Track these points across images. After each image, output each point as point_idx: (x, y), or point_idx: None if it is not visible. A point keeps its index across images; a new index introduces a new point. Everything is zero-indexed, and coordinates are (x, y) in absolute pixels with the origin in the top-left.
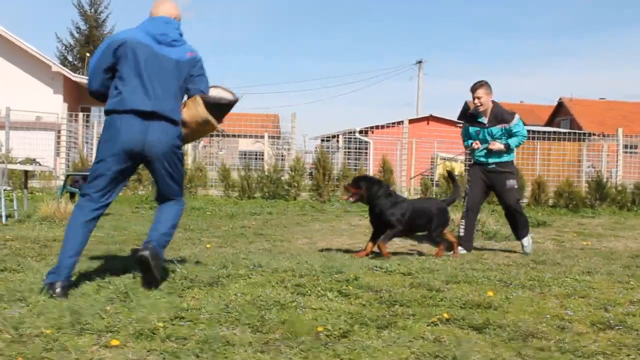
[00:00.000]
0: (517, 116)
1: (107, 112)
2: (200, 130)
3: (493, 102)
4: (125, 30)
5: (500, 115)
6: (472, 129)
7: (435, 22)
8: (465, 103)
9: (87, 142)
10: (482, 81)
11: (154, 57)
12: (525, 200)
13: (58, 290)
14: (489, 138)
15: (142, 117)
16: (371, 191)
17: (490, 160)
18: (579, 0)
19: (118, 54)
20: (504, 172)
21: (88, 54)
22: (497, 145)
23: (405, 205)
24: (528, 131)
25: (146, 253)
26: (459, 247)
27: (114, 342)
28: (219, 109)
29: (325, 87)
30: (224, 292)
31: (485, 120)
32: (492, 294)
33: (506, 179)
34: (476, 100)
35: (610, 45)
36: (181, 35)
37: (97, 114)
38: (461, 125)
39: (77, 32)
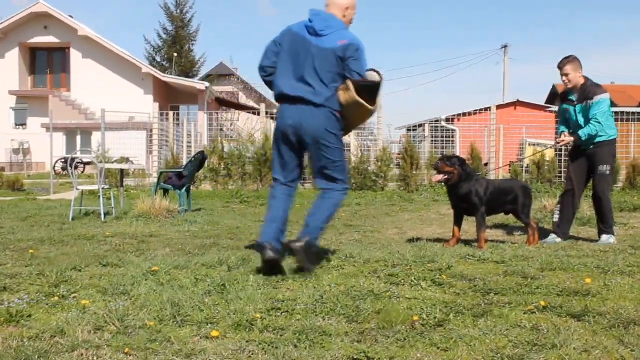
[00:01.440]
0: (603, 95)
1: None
2: (356, 114)
3: (584, 77)
4: (292, 24)
5: (588, 91)
6: (563, 106)
7: (520, 4)
8: (553, 86)
9: (177, 140)
10: (569, 57)
11: (302, 45)
12: (619, 184)
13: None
14: (578, 117)
15: (290, 102)
16: (465, 170)
17: (586, 143)
18: None
19: (278, 43)
20: (600, 154)
21: (176, 54)
22: (567, 140)
23: (486, 185)
24: (621, 113)
25: (298, 246)
26: (553, 235)
27: (214, 333)
28: (369, 91)
29: (409, 76)
30: (318, 283)
31: (575, 97)
32: (589, 281)
33: (600, 163)
34: (564, 78)
35: None
36: (341, 25)
37: (186, 112)
38: (550, 110)
39: (165, 33)
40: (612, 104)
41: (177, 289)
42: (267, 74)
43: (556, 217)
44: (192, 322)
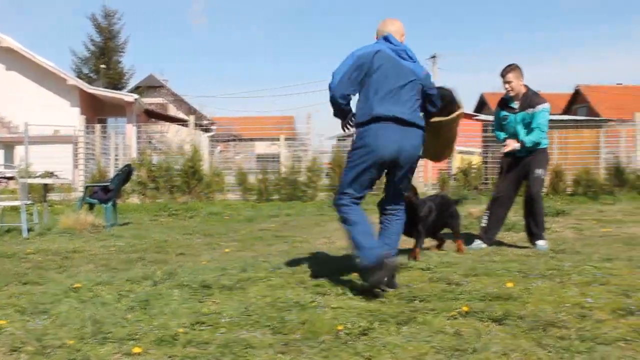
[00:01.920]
0: (545, 105)
1: (358, 123)
2: (449, 136)
3: (525, 86)
4: (368, 45)
5: (530, 99)
6: (502, 114)
7: (449, 15)
8: (482, 95)
9: (105, 153)
10: (511, 65)
11: (399, 69)
12: (543, 190)
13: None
14: (517, 126)
15: (395, 123)
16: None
17: (523, 150)
18: None
19: (368, 67)
20: (535, 160)
21: (103, 66)
22: (512, 146)
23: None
24: (551, 121)
25: (394, 261)
26: (478, 241)
27: (136, 350)
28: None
29: None
30: (244, 296)
31: (516, 105)
32: (511, 285)
33: (536, 167)
34: (506, 86)
35: (625, 31)
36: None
37: (114, 124)
38: (477, 118)
39: (92, 45)
40: None
41: (99, 305)
42: (347, 102)
43: (484, 223)
44: (113, 339)
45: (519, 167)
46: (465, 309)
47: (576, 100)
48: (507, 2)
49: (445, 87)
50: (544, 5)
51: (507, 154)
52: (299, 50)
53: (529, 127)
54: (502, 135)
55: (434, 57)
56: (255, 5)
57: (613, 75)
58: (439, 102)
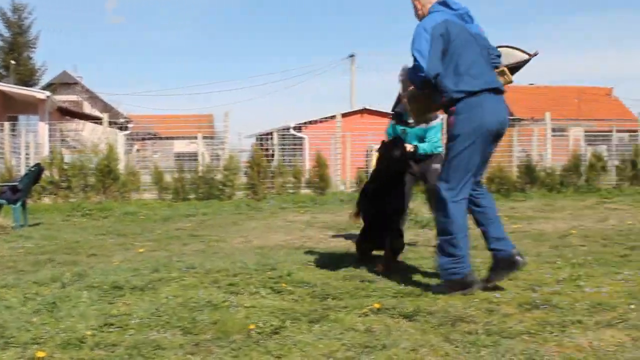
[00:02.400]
0: (439, 120)
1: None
2: None
3: None
4: (433, 15)
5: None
6: (399, 127)
7: (366, 15)
8: (399, 96)
9: (14, 152)
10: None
11: (473, 36)
12: None
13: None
14: (412, 139)
15: (494, 93)
16: None
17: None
18: None
19: (447, 38)
20: (433, 159)
21: (13, 62)
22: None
23: None
24: None
25: (521, 259)
26: None
27: (40, 354)
28: (517, 69)
29: (260, 85)
30: (155, 296)
31: (410, 119)
32: (423, 282)
33: (432, 162)
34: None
35: (539, 33)
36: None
37: (25, 122)
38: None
39: (1, 40)
40: None
41: (3, 309)
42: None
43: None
44: (16, 344)
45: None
46: (377, 305)
47: None
48: None
49: (520, 53)
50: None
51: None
52: (219, 49)
53: (422, 141)
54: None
55: (352, 56)
56: (175, 1)
57: (526, 76)
58: (498, 62)
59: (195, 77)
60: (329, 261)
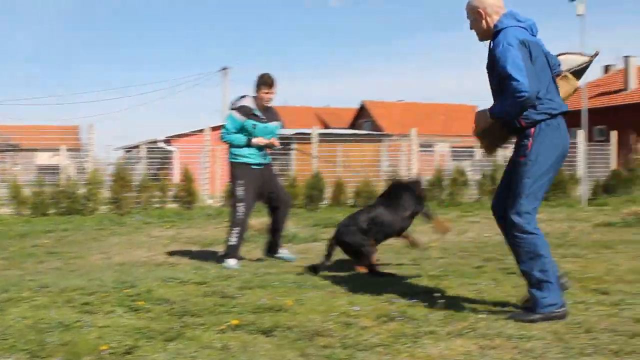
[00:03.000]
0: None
1: (533, 122)
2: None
3: None
4: (512, 29)
5: (276, 113)
6: (250, 121)
7: (240, 30)
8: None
9: None
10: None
11: (544, 54)
12: (325, 202)
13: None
14: (266, 135)
15: (563, 119)
16: None
17: (268, 159)
18: (381, 8)
19: (529, 55)
20: (272, 168)
21: None
22: (266, 141)
23: None
24: (331, 134)
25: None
26: (232, 260)
27: None
28: (580, 73)
29: (131, 96)
30: (2, 318)
31: (260, 114)
32: (284, 297)
33: (273, 171)
34: (271, 95)
35: (408, 51)
36: None
37: None
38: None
39: None
40: (326, 125)
41: None
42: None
43: (234, 241)
44: None
45: (260, 178)
46: (235, 322)
47: (362, 115)
48: (292, 17)
49: (580, 57)
50: (330, 21)
51: (245, 164)
52: (88, 57)
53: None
54: (243, 137)
55: (224, 69)
56: (36, 7)
57: (396, 93)
58: (556, 61)
59: (62, 85)
60: (190, 277)
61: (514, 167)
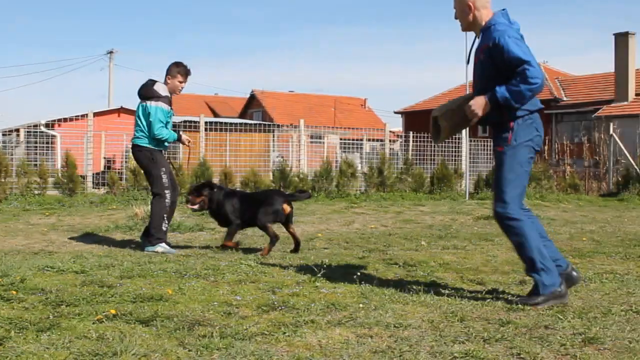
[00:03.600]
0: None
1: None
2: None
3: None
4: (509, 28)
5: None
6: (170, 112)
7: (127, 12)
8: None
9: None
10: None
11: None
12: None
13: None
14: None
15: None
16: (213, 193)
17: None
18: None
19: None
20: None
21: None
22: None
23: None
24: (220, 123)
25: (577, 274)
26: (165, 244)
27: None
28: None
29: (10, 77)
30: None
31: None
32: (165, 286)
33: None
34: (184, 85)
35: (299, 42)
36: None
37: None
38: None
39: None
40: (215, 114)
41: None
42: None
43: (165, 226)
44: None
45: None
46: (112, 311)
47: (252, 105)
48: (179, 3)
49: None
50: (222, 7)
51: (160, 154)
52: None
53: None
54: (174, 134)
55: (110, 52)
56: None
57: (287, 84)
58: None
59: None
60: (69, 266)
61: (495, 157)
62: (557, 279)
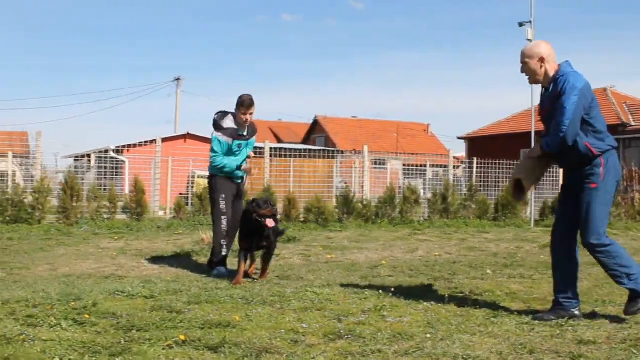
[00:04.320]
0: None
1: (602, 152)
2: None
3: None
4: (579, 74)
5: (254, 127)
6: (235, 143)
7: (194, 40)
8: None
9: None
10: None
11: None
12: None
13: None
14: (244, 151)
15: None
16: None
17: (244, 175)
18: (334, 26)
19: (591, 98)
20: (243, 183)
21: None
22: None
23: None
24: (284, 149)
25: None
26: (222, 268)
27: None
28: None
29: (80, 104)
30: None
31: (245, 132)
32: (232, 312)
33: (243, 189)
34: (249, 116)
35: (361, 68)
36: None
37: None
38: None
39: None
40: (279, 140)
41: None
42: None
43: (225, 251)
44: None
45: (234, 191)
46: (182, 337)
47: (315, 130)
48: (245, 30)
49: None
50: (283, 34)
51: (226, 178)
52: (35, 62)
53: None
54: (238, 163)
55: (178, 79)
56: None
57: (349, 109)
58: None
59: (10, 91)
60: (138, 291)
61: (586, 193)
62: None
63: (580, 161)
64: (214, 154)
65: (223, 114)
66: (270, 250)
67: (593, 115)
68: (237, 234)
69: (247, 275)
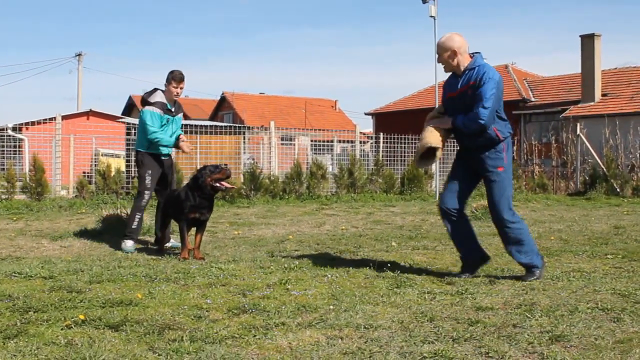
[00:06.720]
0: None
1: (505, 138)
2: None
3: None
4: (491, 68)
5: (179, 105)
6: (164, 117)
7: (95, 14)
8: (130, 97)
9: None
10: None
11: None
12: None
13: None
14: (174, 127)
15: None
16: None
17: (170, 150)
18: (242, 2)
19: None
20: (171, 159)
21: None
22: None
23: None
24: (191, 126)
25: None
26: (129, 240)
27: None
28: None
29: None
30: None
31: (172, 108)
32: (135, 290)
33: (172, 164)
34: (180, 90)
35: (269, 44)
36: None
37: None
38: (121, 120)
39: None
40: (185, 116)
41: None
42: None
43: (135, 225)
44: None
45: (161, 167)
46: (81, 317)
47: (222, 107)
48: (153, 6)
49: None
50: (190, 12)
51: (152, 156)
52: None
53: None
54: (168, 137)
55: (79, 55)
56: None
57: (258, 85)
58: None
59: None
60: (37, 272)
61: (494, 176)
62: (540, 261)
63: (485, 145)
64: (152, 129)
65: (151, 91)
66: (207, 221)
67: (500, 104)
68: (178, 206)
69: (160, 250)
